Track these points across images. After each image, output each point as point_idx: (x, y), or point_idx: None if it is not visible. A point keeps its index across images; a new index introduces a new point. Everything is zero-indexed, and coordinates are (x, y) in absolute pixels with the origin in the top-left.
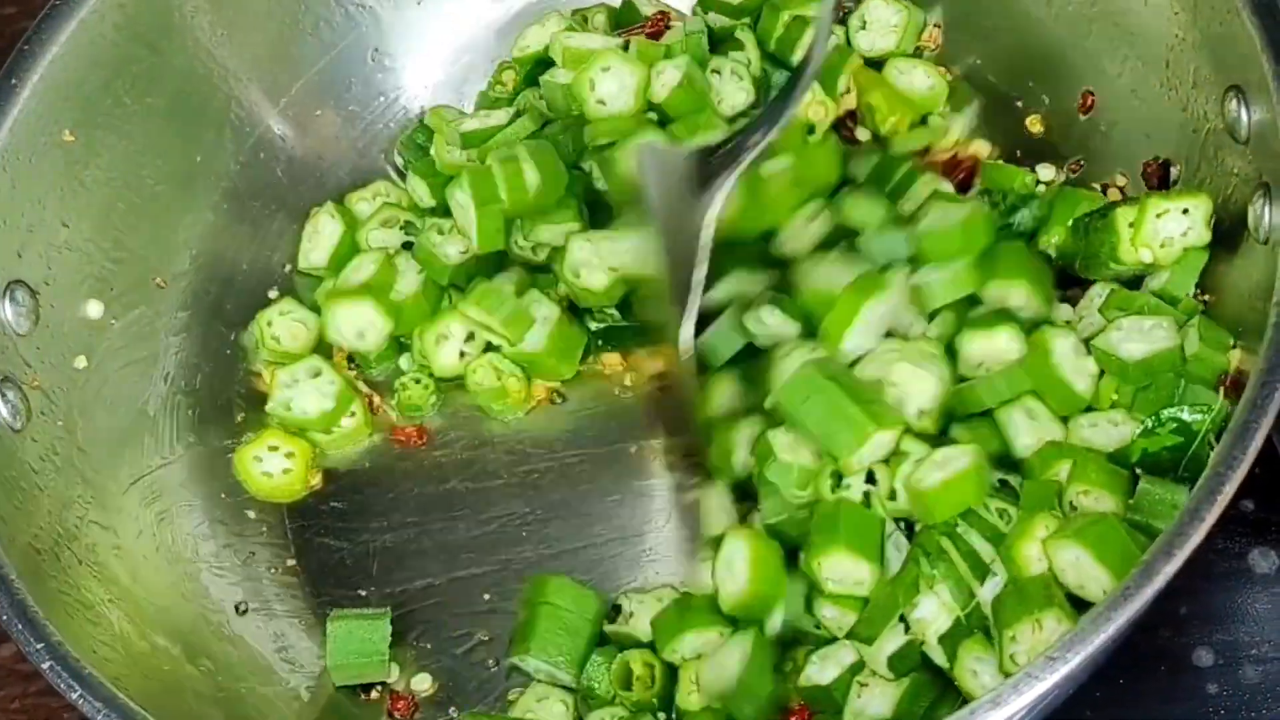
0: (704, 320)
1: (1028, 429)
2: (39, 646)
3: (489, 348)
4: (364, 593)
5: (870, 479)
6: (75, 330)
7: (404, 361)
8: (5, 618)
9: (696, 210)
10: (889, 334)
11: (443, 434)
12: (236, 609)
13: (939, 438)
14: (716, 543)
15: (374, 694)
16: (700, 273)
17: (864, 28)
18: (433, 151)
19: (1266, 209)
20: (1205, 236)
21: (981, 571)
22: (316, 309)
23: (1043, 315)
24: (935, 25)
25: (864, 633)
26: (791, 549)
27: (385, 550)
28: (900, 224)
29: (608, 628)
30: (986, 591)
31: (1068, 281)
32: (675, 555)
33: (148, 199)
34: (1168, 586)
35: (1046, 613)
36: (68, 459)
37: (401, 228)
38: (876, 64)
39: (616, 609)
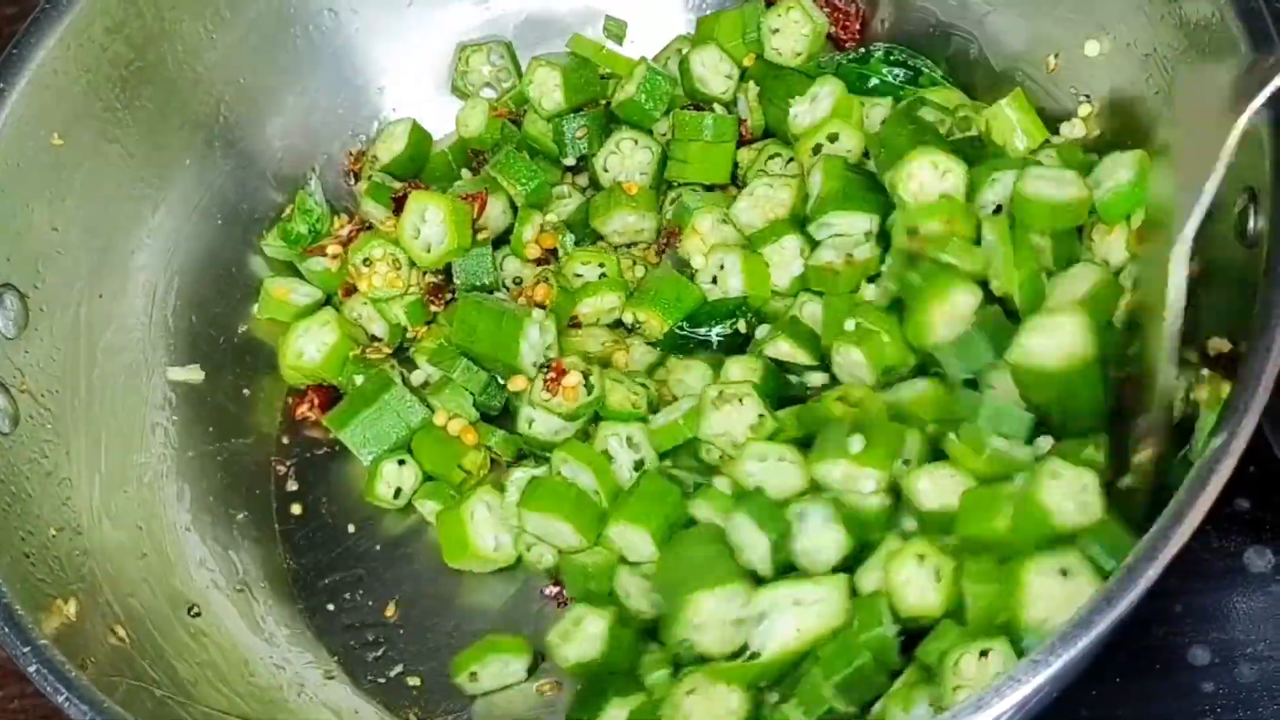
0: None
1: None
2: (25, 650)
3: None
4: (349, 596)
5: None
6: (65, 334)
7: None
8: None
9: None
10: None
11: None
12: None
13: None
14: None
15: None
16: (1216, 181)
17: None
18: None
19: (1251, 213)
20: None
21: None
22: None
23: None
24: None
25: None
26: None
27: (374, 556)
28: None
29: None
30: None
31: None
32: None
33: (137, 203)
34: (1163, 586)
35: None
36: (56, 463)
37: None
38: None
39: None
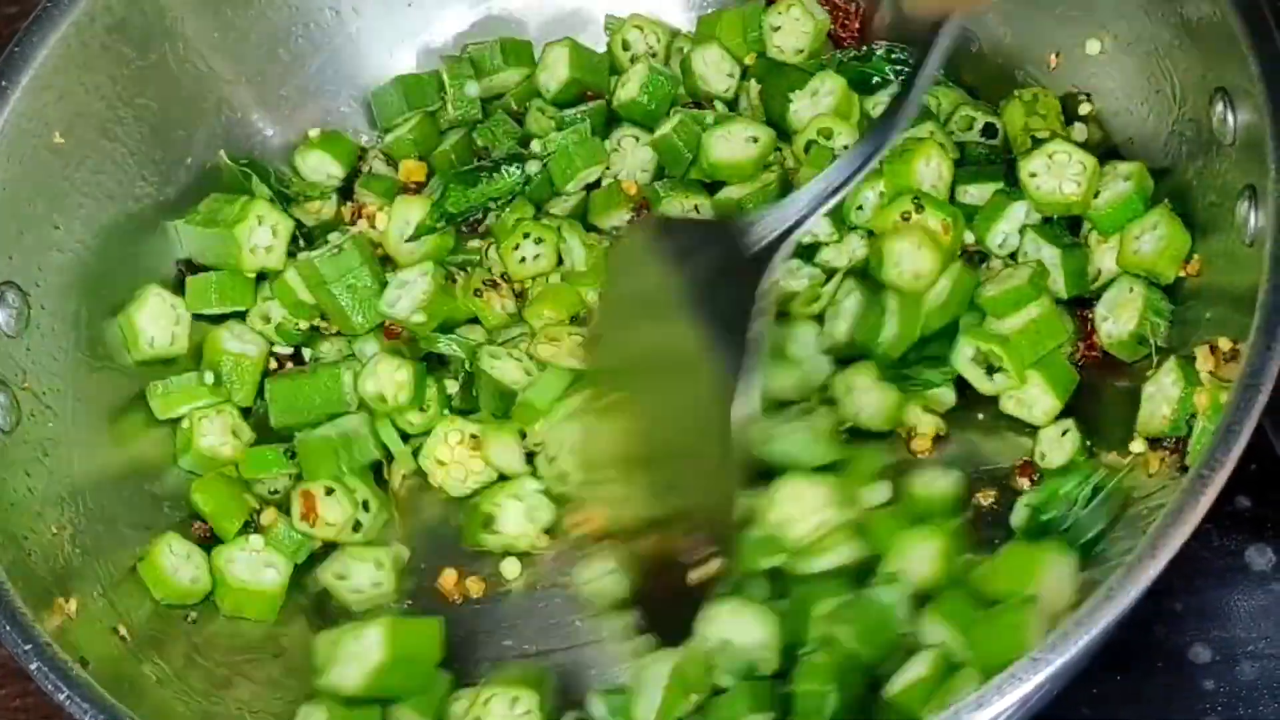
0: None
1: None
2: (27, 648)
3: None
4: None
5: None
6: (66, 332)
7: None
8: None
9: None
10: None
11: None
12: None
13: None
14: None
15: None
16: (757, 334)
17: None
18: None
19: (1251, 212)
20: None
21: None
22: None
23: None
24: None
25: None
26: None
27: None
28: None
29: None
30: None
31: None
32: None
33: (139, 201)
34: (1164, 584)
35: None
36: (58, 461)
37: None
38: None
39: None
